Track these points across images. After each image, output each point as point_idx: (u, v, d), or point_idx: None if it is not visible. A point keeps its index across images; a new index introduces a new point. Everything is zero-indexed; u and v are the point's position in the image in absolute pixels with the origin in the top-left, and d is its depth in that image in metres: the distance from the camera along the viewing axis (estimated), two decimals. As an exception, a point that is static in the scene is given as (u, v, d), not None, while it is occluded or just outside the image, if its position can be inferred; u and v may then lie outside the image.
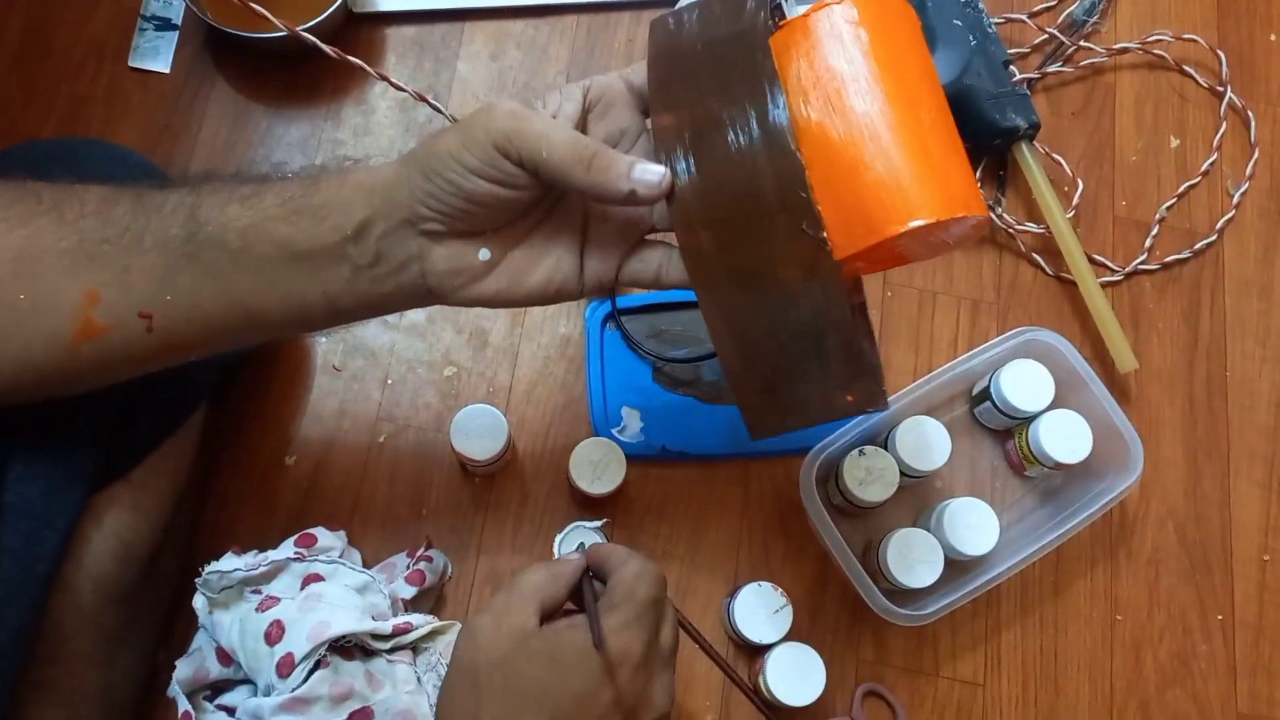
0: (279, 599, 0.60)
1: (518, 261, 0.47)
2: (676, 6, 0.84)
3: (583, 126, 0.46)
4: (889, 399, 0.74)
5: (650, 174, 0.44)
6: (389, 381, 0.76)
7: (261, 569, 0.60)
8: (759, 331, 0.44)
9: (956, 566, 0.71)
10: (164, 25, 0.83)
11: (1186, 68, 0.90)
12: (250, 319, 0.47)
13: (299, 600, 0.59)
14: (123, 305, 0.45)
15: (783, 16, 0.48)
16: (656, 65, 0.46)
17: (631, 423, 0.76)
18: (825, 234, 0.42)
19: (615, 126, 0.47)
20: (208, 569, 0.60)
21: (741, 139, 0.43)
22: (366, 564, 0.70)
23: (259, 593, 0.61)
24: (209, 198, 0.45)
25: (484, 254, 0.46)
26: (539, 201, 0.46)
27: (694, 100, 0.44)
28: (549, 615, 0.49)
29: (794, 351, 0.45)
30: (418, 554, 0.69)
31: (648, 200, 0.44)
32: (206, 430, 0.69)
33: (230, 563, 0.61)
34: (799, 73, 0.43)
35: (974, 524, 0.70)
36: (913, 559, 0.69)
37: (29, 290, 0.44)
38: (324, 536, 0.66)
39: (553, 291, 0.48)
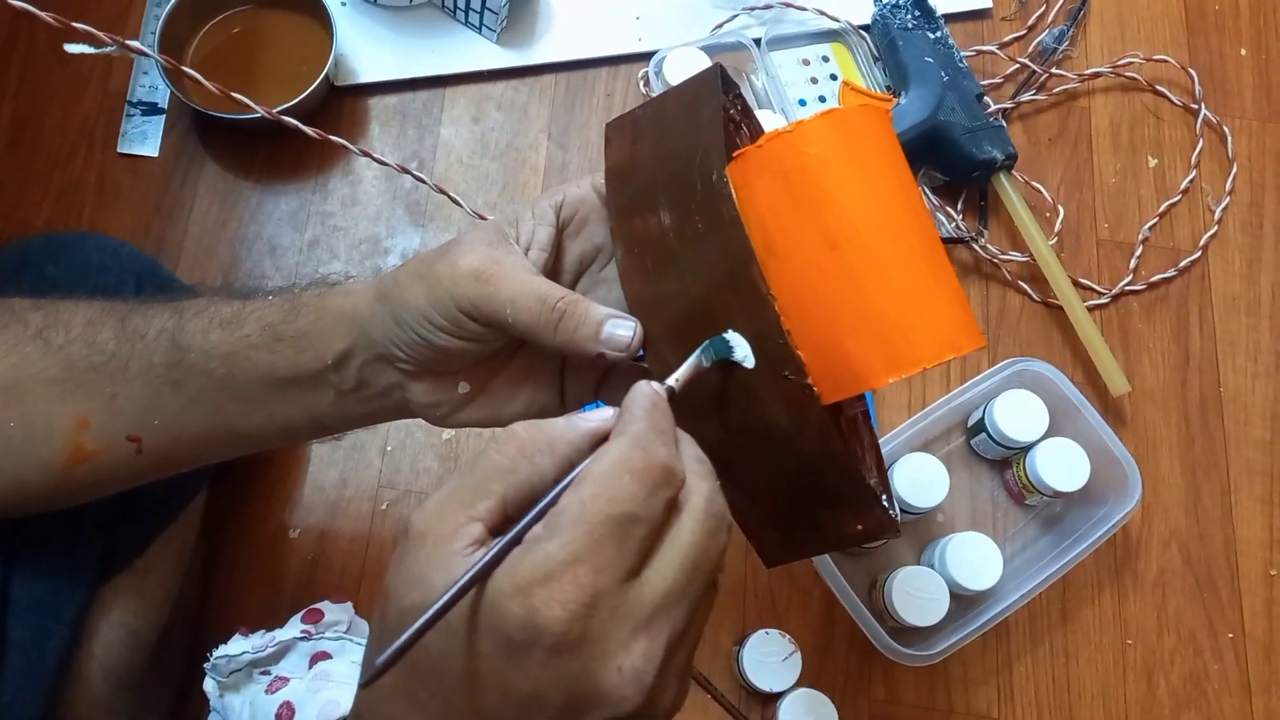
0: (288, 679, 0.60)
1: (498, 391, 0.46)
2: (653, 81, 0.85)
3: (558, 247, 0.45)
4: (885, 436, 0.74)
5: (619, 333, 0.41)
6: (388, 448, 0.77)
7: (269, 650, 0.61)
8: (751, 471, 0.41)
9: (962, 601, 0.71)
10: (150, 110, 0.85)
11: (1160, 87, 0.91)
12: (237, 438, 0.47)
13: (308, 680, 0.59)
14: (112, 430, 0.45)
15: (741, 99, 0.47)
16: (614, 181, 0.43)
17: (631, 474, 0.76)
18: (809, 379, 0.38)
19: (590, 244, 0.46)
20: (216, 653, 0.61)
21: (707, 282, 0.40)
22: (375, 633, 0.70)
23: (268, 673, 0.61)
24: (191, 322, 0.45)
25: (463, 387, 0.45)
26: (512, 341, 0.45)
27: (655, 233, 0.41)
28: (517, 514, 0.32)
29: (791, 490, 0.41)
30: (425, 620, 0.69)
31: (619, 360, 0.41)
32: (209, 508, 0.69)
33: (238, 645, 0.61)
34: (760, 209, 0.39)
35: (977, 558, 0.70)
36: (918, 597, 0.69)
37: (20, 418, 0.44)
38: (330, 611, 0.66)
39: (535, 413, 0.47)
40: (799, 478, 0.41)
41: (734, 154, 0.41)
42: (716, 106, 0.41)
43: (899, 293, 0.39)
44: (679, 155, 0.41)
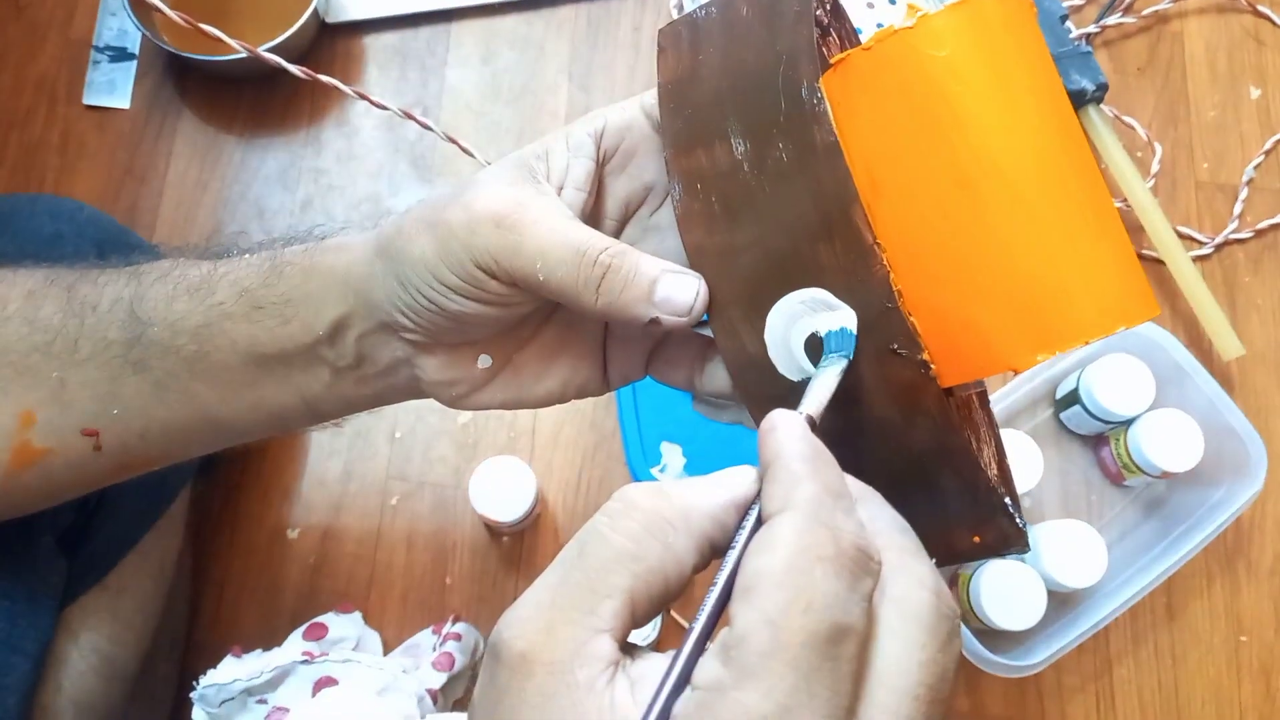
0: (287, 710, 0.52)
1: (526, 366, 0.38)
2: (687, 9, 0.75)
3: (599, 186, 0.37)
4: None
5: (678, 293, 0.33)
6: (397, 435, 0.68)
7: (265, 676, 0.52)
8: (844, 470, 0.34)
9: (1056, 597, 0.62)
10: (119, 55, 0.75)
11: (1261, 7, 0.80)
12: (216, 428, 0.39)
13: (311, 711, 0.51)
14: (63, 424, 0.38)
15: (835, 5, 0.38)
16: (670, 101, 0.35)
17: (673, 459, 0.67)
18: (925, 354, 0.31)
19: (639, 182, 0.37)
20: (204, 681, 0.52)
21: (793, 228, 0.32)
22: (388, 646, 0.62)
23: (265, 702, 0.53)
24: (152, 289, 0.38)
25: (484, 361, 0.37)
26: (543, 304, 0.37)
27: (724, 166, 0.33)
28: (645, 616, 0.25)
29: (894, 494, 0.33)
30: (444, 631, 0.61)
31: (678, 326, 0.33)
32: (194, 510, 0.61)
33: (229, 671, 0.53)
34: (865, 134, 0.31)
35: (1077, 550, 0.61)
36: (1011, 596, 0.60)
37: None
38: (335, 625, 0.58)
39: (573, 393, 0.39)
40: (903, 480, 0.33)
41: (831, 61, 0.32)
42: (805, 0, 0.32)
43: (1054, 244, 0.30)
44: (756, 65, 0.33)
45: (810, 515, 0.24)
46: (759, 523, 0.25)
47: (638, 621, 0.24)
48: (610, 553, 0.24)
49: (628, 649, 0.24)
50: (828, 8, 0.37)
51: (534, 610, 0.24)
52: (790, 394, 0.33)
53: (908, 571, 0.24)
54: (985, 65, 0.31)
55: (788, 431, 0.26)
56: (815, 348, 0.33)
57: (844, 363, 0.30)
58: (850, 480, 0.27)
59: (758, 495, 0.26)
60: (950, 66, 0.30)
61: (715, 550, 0.25)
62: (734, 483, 0.26)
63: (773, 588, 0.22)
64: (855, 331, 0.31)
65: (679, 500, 0.25)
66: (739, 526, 0.25)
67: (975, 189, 0.30)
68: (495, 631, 0.24)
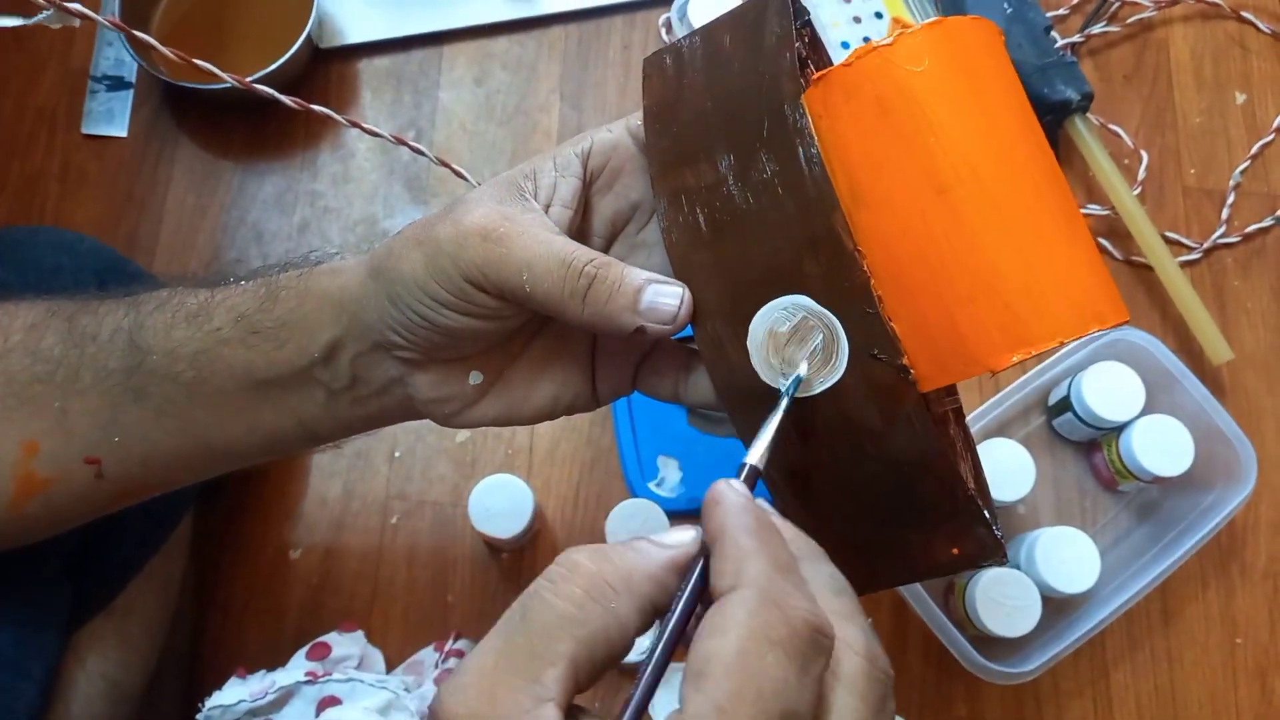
0: (292, 730, 0.52)
1: (517, 381, 0.39)
2: (675, 28, 0.76)
3: (586, 204, 0.37)
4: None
5: (663, 302, 0.34)
6: (396, 455, 0.69)
7: (269, 697, 0.53)
8: (824, 482, 0.35)
9: (1052, 604, 0.63)
10: (117, 84, 0.76)
11: (1245, 14, 0.81)
12: (215, 454, 0.40)
13: (315, 731, 0.52)
14: (65, 453, 0.39)
15: (810, 29, 0.39)
16: (656, 123, 0.36)
17: (669, 474, 0.68)
18: (905, 359, 0.32)
19: (625, 200, 0.38)
20: (209, 703, 0.53)
21: (777, 239, 0.33)
22: (390, 664, 0.63)
23: (270, 723, 0.54)
24: (151, 318, 0.39)
25: (475, 378, 0.38)
26: (532, 319, 0.38)
27: (709, 183, 0.35)
28: (589, 680, 0.25)
29: (874, 506, 0.35)
30: (446, 648, 0.62)
31: (662, 335, 0.34)
32: (197, 532, 0.62)
33: (234, 693, 0.53)
34: (846, 146, 0.32)
35: (1071, 556, 0.62)
36: (1007, 604, 0.61)
37: None
38: (339, 644, 0.59)
39: (563, 408, 0.40)
40: (884, 490, 0.34)
41: (813, 78, 0.33)
42: (786, 26, 0.34)
43: (1028, 248, 0.32)
44: (739, 86, 0.35)
45: (762, 593, 0.24)
46: (702, 586, 0.25)
47: (581, 686, 0.24)
48: (553, 617, 0.24)
49: (574, 713, 0.24)
50: (806, 40, 0.38)
51: (477, 677, 0.23)
52: (772, 401, 0.34)
53: (841, 638, 0.25)
54: (961, 80, 0.33)
55: (732, 503, 0.26)
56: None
57: (787, 401, 0.32)
58: (791, 535, 0.27)
59: (699, 557, 0.26)
60: (927, 79, 0.32)
61: (658, 611, 0.26)
62: (675, 542, 0.26)
63: (723, 675, 0.23)
64: (831, 344, 0.32)
65: (621, 563, 0.25)
66: (679, 590, 0.26)
67: (953, 195, 0.32)
68: (436, 698, 0.23)
